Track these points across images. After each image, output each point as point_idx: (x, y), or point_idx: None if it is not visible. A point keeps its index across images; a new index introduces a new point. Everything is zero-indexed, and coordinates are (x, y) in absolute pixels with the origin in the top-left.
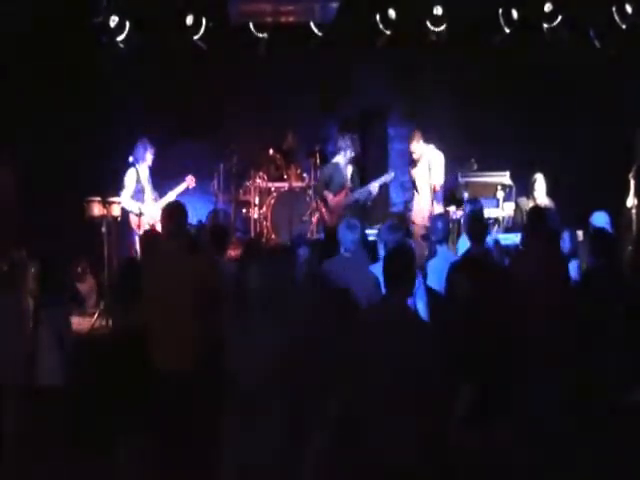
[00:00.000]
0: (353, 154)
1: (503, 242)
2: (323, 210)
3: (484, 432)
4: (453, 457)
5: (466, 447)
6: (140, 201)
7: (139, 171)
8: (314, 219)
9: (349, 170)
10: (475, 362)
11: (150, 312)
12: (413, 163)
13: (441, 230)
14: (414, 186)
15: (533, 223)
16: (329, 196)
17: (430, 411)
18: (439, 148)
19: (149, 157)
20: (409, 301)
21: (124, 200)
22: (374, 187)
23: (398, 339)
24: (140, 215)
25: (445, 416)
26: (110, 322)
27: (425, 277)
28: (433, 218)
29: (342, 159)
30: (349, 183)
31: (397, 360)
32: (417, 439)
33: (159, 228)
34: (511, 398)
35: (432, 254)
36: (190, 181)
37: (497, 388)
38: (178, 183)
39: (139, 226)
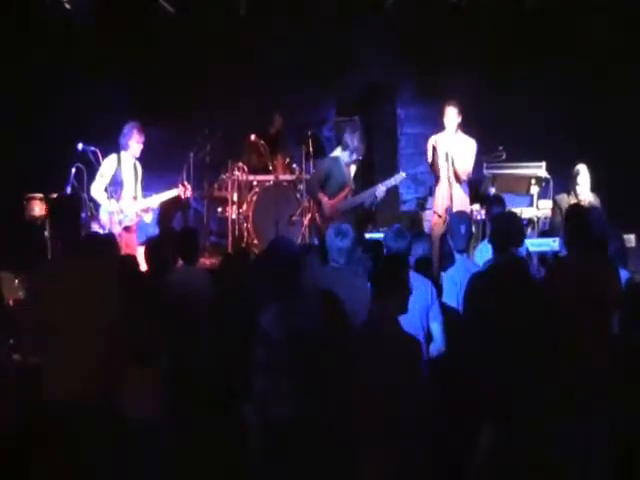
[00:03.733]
0: (359, 158)
1: (538, 249)
2: (316, 215)
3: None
4: None
5: None
6: (116, 195)
7: (122, 159)
8: (306, 220)
9: (352, 169)
10: (500, 397)
11: (50, 340)
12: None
13: (463, 236)
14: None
15: (574, 226)
16: (324, 199)
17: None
18: None
19: (135, 146)
20: (422, 322)
21: (94, 190)
22: (380, 190)
23: (383, 370)
24: (92, 213)
25: (429, 452)
26: None
27: (440, 292)
28: (454, 220)
29: (345, 156)
30: (351, 184)
31: (382, 390)
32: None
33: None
34: (543, 438)
35: (449, 262)
36: (183, 191)
37: (526, 428)
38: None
39: (102, 224)
